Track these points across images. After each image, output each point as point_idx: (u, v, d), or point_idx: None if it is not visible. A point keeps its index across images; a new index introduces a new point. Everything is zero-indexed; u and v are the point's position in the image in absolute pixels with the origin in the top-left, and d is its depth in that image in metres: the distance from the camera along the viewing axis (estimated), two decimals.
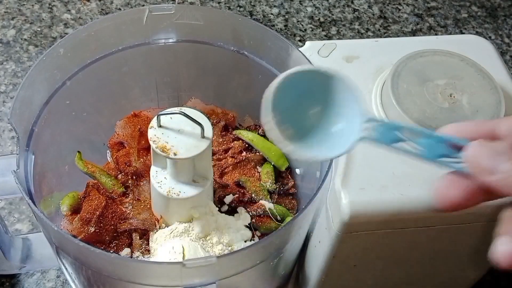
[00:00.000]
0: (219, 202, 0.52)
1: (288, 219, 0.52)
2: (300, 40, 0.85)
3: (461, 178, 0.30)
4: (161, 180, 0.47)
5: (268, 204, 0.52)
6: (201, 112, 0.45)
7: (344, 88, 0.33)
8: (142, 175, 0.53)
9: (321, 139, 0.34)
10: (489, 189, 0.29)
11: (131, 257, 0.49)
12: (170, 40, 0.53)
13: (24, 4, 0.87)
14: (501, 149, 0.29)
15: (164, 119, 0.44)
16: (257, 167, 0.56)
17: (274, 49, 0.50)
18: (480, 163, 0.29)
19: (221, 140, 0.57)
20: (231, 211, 0.52)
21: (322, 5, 0.91)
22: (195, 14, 0.51)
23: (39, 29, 0.83)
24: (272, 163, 0.56)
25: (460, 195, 0.30)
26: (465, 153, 0.30)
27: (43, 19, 0.85)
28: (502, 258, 0.28)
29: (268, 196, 0.53)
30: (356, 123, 0.33)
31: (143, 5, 0.88)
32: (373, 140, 0.32)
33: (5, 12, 0.85)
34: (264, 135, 0.58)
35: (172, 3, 0.50)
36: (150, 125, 0.45)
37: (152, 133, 0.44)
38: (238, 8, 0.89)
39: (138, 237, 0.50)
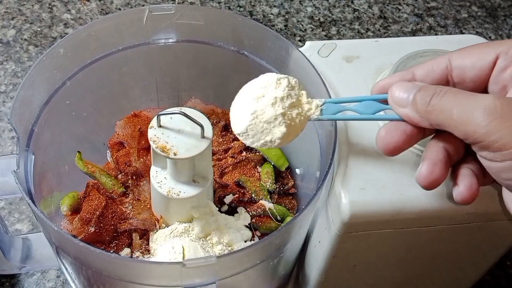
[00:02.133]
0: (219, 202, 0.52)
1: (288, 219, 0.52)
2: (300, 40, 0.85)
3: (397, 124, 0.36)
4: (161, 180, 0.47)
5: (268, 204, 0.52)
6: (201, 112, 0.45)
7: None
8: (142, 175, 0.53)
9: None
10: (414, 124, 0.36)
11: (131, 257, 0.49)
12: (170, 40, 0.53)
13: (24, 4, 0.87)
14: (413, 85, 0.36)
15: (164, 119, 0.44)
16: (257, 167, 0.56)
17: (274, 49, 0.50)
18: (394, 96, 0.36)
19: (221, 140, 0.57)
20: (231, 211, 0.52)
21: (322, 5, 0.91)
22: (195, 14, 0.51)
23: (39, 29, 0.83)
24: (272, 163, 0.56)
25: (398, 138, 0.36)
26: (388, 94, 0.37)
27: (43, 19, 0.85)
28: (422, 179, 0.36)
29: (268, 196, 0.53)
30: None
31: (143, 5, 0.88)
32: (321, 119, 0.40)
33: (5, 12, 0.85)
34: None
35: (172, 3, 0.51)
36: (150, 125, 0.45)
37: (152, 133, 0.44)
38: (238, 8, 0.89)
39: (138, 237, 0.50)
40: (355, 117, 0.39)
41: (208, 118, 0.45)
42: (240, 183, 0.54)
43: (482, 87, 0.37)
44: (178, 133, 0.44)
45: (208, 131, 0.44)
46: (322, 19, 0.89)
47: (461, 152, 0.36)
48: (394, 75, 0.39)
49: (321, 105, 0.39)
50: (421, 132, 0.36)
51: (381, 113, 0.39)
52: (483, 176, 0.36)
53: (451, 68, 0.37)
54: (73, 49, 0.48)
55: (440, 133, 0.36)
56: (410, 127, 0.36)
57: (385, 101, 0.38)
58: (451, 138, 0.35)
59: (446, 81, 0.37)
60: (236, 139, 0.57)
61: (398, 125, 0.36)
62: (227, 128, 0.58)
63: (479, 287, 0.56)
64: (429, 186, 0.36)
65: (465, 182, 0.36)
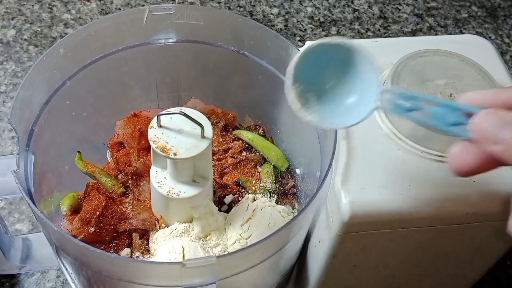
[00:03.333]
0: (219, 202, 0.52)
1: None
2: (300, 40, 0.85)
3: (474, 145, 0.30)
4: (161, 180, 0.47)
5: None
6: (201, 112, 0.45)
7: (363, 60, 0.35)
8: (142, 175, 0.53)
9: (339, 109, 0.36)
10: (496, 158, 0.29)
11: (131, 257, 0.49)
12: (170, 40, 0.53)
13: (24, 4, 0.87)
14: (510, 119, 0.29)
15: (164, 119, 0.44)
16: (257, 167, 0.56)
17: (274, 49, 0.50)
18: (483, 131, 0.29)
19: (221, 140, 0.57)
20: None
21: (322, 5, 0.91)
22: (195, 14, 0.51)
23: (39, 29, 0.83)
24: (272, 163, 0.56)
25: (473, 161, 0.30)
26: (471, 120, 0.30)
27: (43, 19, 0.85)
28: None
29: (268, 196, 0.53)
30: (372, 93, 0.34)
31: (143, 5, 0.88)
32: (388, 110, 0.34)
33: (5, 12, 0.85)
34: (264, 135, 0.58)
35: (172, 3, 0.51)
36: (150, 125, 0.45)
37: (152, 133, 0.44)
38: (238, 8, 0.89)
39: (138, 237, 0.50)
40: (427, 121, 0.33)
41: (208, 118, 0.45)
42: (240, 183, 0.54)
43: None
44: (178, 133, 0.44)
45: (208, 131, 0.44)
46: (322, 19, 0.89)
47: None
48: (488, 91, 0.32)
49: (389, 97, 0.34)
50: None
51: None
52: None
53: None
54: (73, 49, 0.48)
55: None
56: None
57: (468, 113, 0.31)
58: None
59: None
60: (236, 139, 0.57)
61: (475, 145, 0.30)
62: (227, 128, 0.58)
63: (479, 287, 0.56)
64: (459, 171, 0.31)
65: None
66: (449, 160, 0.32)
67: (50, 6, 0.87)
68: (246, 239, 0.49)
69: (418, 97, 0.33)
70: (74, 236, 0.48)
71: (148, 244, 0.49)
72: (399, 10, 0.92)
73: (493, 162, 0.30)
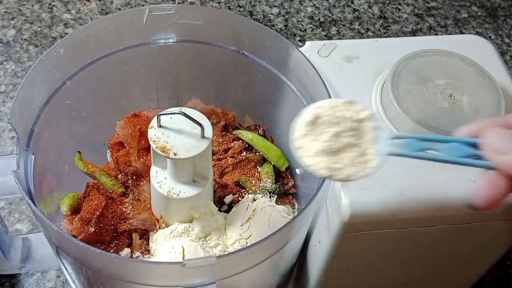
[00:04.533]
0: (219, 202, 0.52)
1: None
2: (300, 40, 0.85)
3: (493, 176, 0.32)
4: (161, 180, 0.47)
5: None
6: (201, 112, 0.45)
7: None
8: (142, 175, 0.53)
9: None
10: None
11: (131, 257, 0.49)
12: (170, 40, 0.53)
13: (24, 4, 0.87)
14: None
15: (164, 119, 0.44)
16: (257, 167, 0.56)
17: (274, 49, 0.50)
18: (494, 145, 0.31)
19: (221, 140, 0.57)
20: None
21: (322, 5, 0.91)
22: (195, 14, 0.51)
23: (39, 29, 0.83)
24: (272, 163, 0.56)
25: (496, 191, 0.32)
26: (482, 140, 0.32)
27: (43, 19, 0.85)
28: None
29: (268, 196, 0.53)
30: (382, 142, 0.35)
31: (143, 5, 0.88)
32: (400, 154, 0.35)
33: (5, 12, 0.85)
34: (264, 135, 0.58)
35: (172, 3, 0.51)
36: (150, 125, 0.44)
37: (152, 133, 0.44)
38: (238, 8, 0.89)
39: (138, 237, 0.50)
40: (441, 157, 0.34)
41: (208, 118, 0.45)
42: (240, 183, 0.54)
43: None
44: (178, 133, 0.44)
45: (208, 131, 0.44)
46: (322, 19, 0.89)
47: None
48: (485, 120, 0.34)
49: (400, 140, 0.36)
50: None
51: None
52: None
53: None
54: (73, 49, 0.48)
55: None
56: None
57: (473, 144, 0.33)
58: None
59: None
60: (236, 139, 0.57)
61: (498, 176, 0.32)
62: (227, 128, 0.58)
63: (479, 287, 0.56)
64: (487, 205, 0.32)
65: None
66: (475, 195, 0.33)
67: (50, 6, 0.87)
68: (246, 239, 0.49)
69: (424, 137, 0.35)
70: (74, 236, 0.48)
71: (148, 244, 0.49)
72: (399, 10, 0.92)
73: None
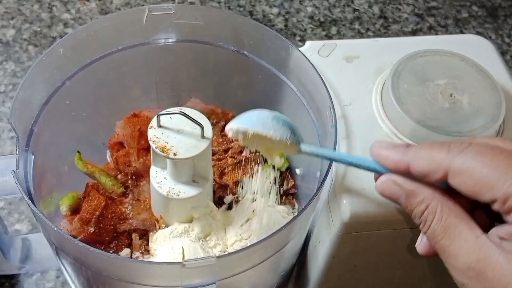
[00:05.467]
0: (219, 202, 0.52)
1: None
2: (300, 40, 0.85)
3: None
4: (161, 180, 0.47)
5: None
6: (201, 112, 0.45)
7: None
8: (141, 175, 0.53)
9: None
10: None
11: (131, 257, 0.49)
12: (170, 40, 0.53)
13: (23, 4, 0.86)
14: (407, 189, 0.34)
15: (164, 119, 0.44)
16: (257, 167, 0.56)
17: (274, 49, 0.50)
18: (383, 193, 0.36)
19: (221, 140, 0.57)
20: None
21: (322, 5, 0.91)
22: (195, 14, 0.51)
23: (38, 29, 0.83)
24: (272, 163, 0.56)
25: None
26: (377, 181, 0.36)
27: (42, 19, 0.85)
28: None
29: (268, 196, 0.53)
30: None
31: (143, 5, 0.87)
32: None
33: (4, 12, 0.85)
34: None
35: (172, 3, 0.50)
36: (150, 125, 0.44)
37: (152, 133, 0.44)
38: (238, 8, 0.89)
39: (137, 238, 0.49)
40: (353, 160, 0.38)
41: (208, 118, 0.45)
42: (240, 183, 0.54)
43: None
44: (178, 133, 0.44)
45: (208, 131, 0.44)
46: (322, 19, 0.89)
47: None
48: (393, 150, 0.36)
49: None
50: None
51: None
52: None
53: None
54: (73, 49, 0.48)
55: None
56: None
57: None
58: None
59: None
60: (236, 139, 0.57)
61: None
62: None
63: None
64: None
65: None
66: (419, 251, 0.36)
67: (50, 6, 0.86)
68: (246, 239, 0.49)
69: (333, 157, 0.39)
70: (74, 237, 0.48)
71: (148, 244, 0.49)
72: (400, 10, 0.92)
73: None
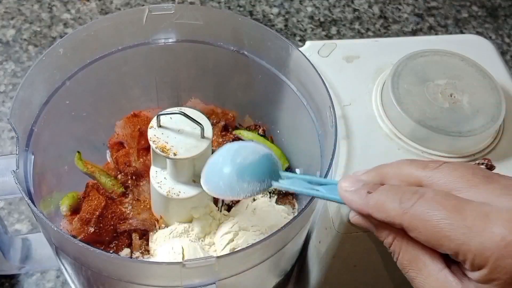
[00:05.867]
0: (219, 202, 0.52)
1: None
2: (300, 40, 0.85)
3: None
4: (161, 180, 0.47)
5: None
6: (201, 112, 0.45)
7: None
8: (141, 175, 0.53)
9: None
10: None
11: (131, 257, 0.49)
12: (170, 40, 0.53)
13: (23, 4, 0.87)
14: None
15: (164, 119, 0.44)
16: None
17: (274, 49, 0.50)
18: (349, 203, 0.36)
19: (221, 140, 0.57)
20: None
21: (322, 5, 0.91)
22: (195, 14, 0.51)
23: (38, 29, 0.83)
24: None
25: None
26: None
27: (42, 19, 0.85)
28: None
29: (268, 196, 0.53)
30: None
31: (143, 5, 0.87)
32: (288, 189, 0.39)
33: (4, 12, 0.85)
34: (264, 135, 0.58)
35: (172, 3, 0.50)
36: (150, 125, 0.44)
37: (152, 133, 0.44)
38: (238, 8, 0.89)
39: (137, 238, 0.50)
40: (320, 194, 0.38)
41: (208, 118, 0.45)
42: None
43: None
44: (178, 133, 0.44)
45: (208, 131, 0.44)
46: (322, 19, 0.89)
47: None
48: (367, 172, 0.36)
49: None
50: None
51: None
52: None
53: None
54: (73, 49, 0.48)
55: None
56: None
57: None
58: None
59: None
60: (236, 139, 0.57)
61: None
62: (227, 128, 0.58)
63: None
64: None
65: None
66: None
67: (50, 6, 0.87)
68: (234, 231, 0.49)
69: (306, 178, 0.38)
70: (74, 237, 0.48)
71: (147, 244, 0.49)
72: (400, 10, 0.92)
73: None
